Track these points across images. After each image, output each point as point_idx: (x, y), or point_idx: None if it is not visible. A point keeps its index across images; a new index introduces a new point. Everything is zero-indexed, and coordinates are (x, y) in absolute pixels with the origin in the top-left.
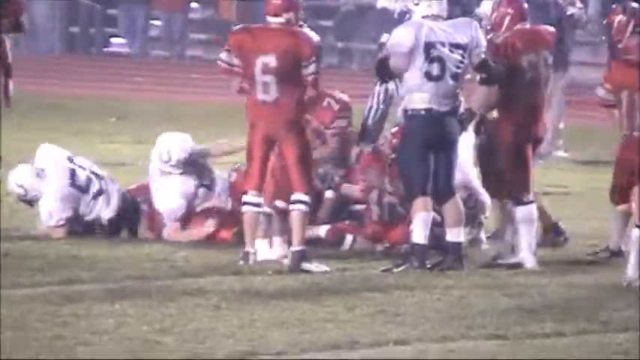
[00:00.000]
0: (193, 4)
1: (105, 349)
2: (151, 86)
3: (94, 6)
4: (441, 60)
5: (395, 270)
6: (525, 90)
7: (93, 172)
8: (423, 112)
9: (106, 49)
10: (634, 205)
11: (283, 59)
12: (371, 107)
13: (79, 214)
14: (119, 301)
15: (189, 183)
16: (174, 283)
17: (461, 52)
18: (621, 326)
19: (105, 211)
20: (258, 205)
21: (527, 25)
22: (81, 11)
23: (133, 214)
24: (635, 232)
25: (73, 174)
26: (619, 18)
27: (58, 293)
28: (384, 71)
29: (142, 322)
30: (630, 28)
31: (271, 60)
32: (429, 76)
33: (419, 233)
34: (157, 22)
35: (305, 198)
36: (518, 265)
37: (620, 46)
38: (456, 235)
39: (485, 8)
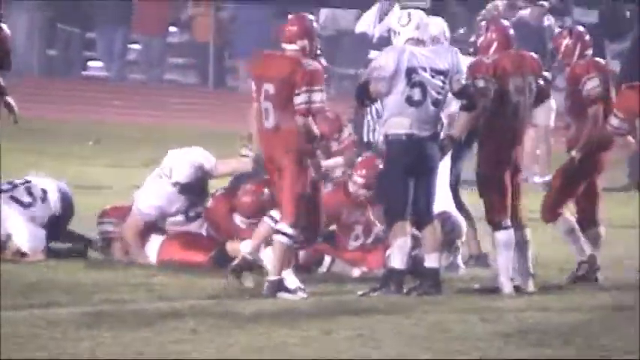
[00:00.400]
0: (172, 28)
1: None
2: (129, 110)
3: (72, 30)
4: (422, 85)
5: (372, 294)
6: (509, 114)
7: (26, 181)
8: (403, 137)
9: (84, 73)
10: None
11: (280, 87)
12: (368, 122)
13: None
14: (96, 325)
15: (175, 198)
16: (150, 307)
17: (442, 77)
18: (599, 350)
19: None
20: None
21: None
22: (59, 34)
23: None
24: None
25: (16, 196)
26: (566, 41)
27: (38, 316)
28: (365, 95)
29: (118, 345)
30: (577, 51)
31: (270, 87)
32: (410, 101)
33: (397, 258)
34: (136, 46)
35: (289, 231)
36: (495, 290)
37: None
38: (433, 260)
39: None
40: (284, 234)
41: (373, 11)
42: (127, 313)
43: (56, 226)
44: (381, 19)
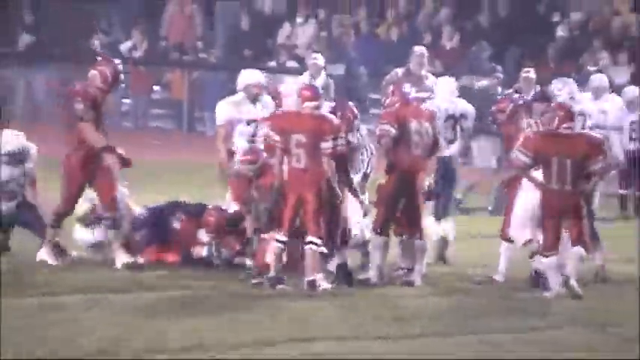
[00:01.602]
0: (155, 87)
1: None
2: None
3: None
4: None
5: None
6: (409, 149)
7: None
8: None
9: None
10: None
11: (311, 137)
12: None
13: None
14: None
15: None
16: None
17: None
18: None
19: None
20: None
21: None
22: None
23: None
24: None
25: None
26: (508, 106)
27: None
28: None
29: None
30: (516, 116)
31: (302, 137)
32: None
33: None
34: (127, 100)
35: (317, 240)
36: (409, 283)
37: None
38: (341, 258)
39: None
40: (314, 243)
41: (306, 75)
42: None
43: None
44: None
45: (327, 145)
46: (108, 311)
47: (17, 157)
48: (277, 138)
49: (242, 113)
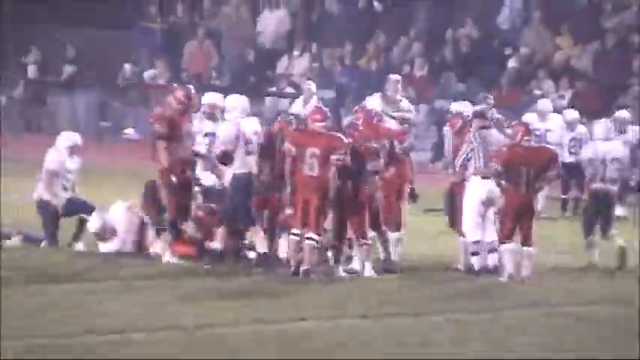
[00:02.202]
0: None
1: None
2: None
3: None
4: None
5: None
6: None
7: None
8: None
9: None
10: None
11: (325, 150)
12: None
13: None
14: None
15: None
16: None
17: None
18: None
19: None
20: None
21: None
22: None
23: None
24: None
25: None
26: (459, 122)
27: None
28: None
29: None
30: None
31: (316, 150)
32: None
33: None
34: None
35: (315, 236)
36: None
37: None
38: (261, 247)
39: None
40: (312, 239)
41: (301, 99)
42: None
43: None
44: (305, 103)
45: (335, 158)
46: (133, 295)
47: (74, 151)
48: (293, 150)
49: (200, 127)
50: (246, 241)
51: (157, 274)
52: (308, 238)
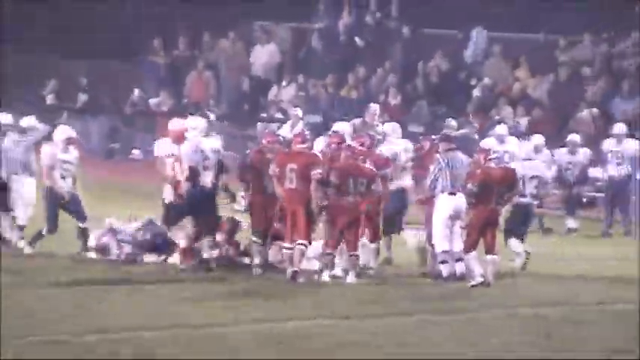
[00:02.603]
0: None
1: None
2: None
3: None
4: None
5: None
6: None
7: None
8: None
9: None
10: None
11: (303, 167)
12: None
13: None
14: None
15: None
16: None
17: None
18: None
19: None
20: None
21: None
22: (118, 133)
23: None
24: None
25: None
26: (427, 145)
27: None
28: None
29: None
30: (432, 151)
31: (295, 166)
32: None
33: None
34: None
35: (305, 242)
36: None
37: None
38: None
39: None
40: (301, 244)
41: (288, 124)
42: None
43: None
44: (292, 127)
45: (313, 172)
46: (141, 297)
47: (69, 143)
48: (277, 170)
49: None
50: (242, 248)
51: (162, 278)
52: (298, 244)
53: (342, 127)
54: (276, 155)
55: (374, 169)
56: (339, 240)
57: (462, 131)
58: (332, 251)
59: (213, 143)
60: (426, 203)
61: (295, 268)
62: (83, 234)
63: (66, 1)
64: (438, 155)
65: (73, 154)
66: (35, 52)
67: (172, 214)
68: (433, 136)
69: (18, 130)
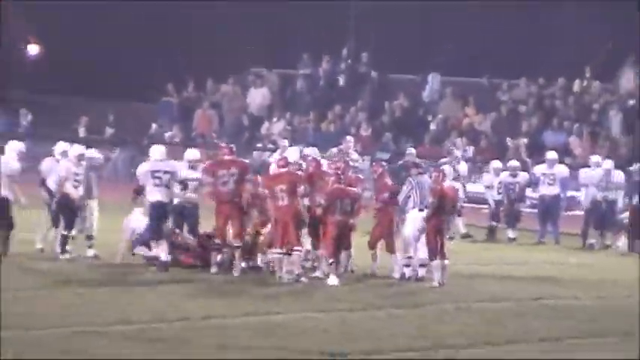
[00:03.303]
0: None
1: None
2: None
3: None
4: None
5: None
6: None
7: None
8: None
9: None
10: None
11: (291, 186)
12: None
13: None
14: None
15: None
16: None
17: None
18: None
19: None
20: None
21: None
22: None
23: None
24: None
25: None
26: (379, 169)
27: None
28: None
29: None
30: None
31: (284, 186)
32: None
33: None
34: None
35: (299, 248)
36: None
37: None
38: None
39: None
40: (297, 251)
41: (278, 152)
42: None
43: None
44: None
45: (301, 190)
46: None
47: (81, 158)
48: (266, 191)
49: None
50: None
51: (174, 277)
52: (295, 251)
53: (292, 154)
54: (264, 177)
55: (357, 191)
56: (336, 249)
57: (443, 160)
58: (334, 259)
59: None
60: (381, 213)
61: (298, 271)
62: (65, 241)
63: (97, 53)
64: (410, 178)
65: (83, 166)
66: (70, 94)
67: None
68: (383, 162)
69: (84, 158)
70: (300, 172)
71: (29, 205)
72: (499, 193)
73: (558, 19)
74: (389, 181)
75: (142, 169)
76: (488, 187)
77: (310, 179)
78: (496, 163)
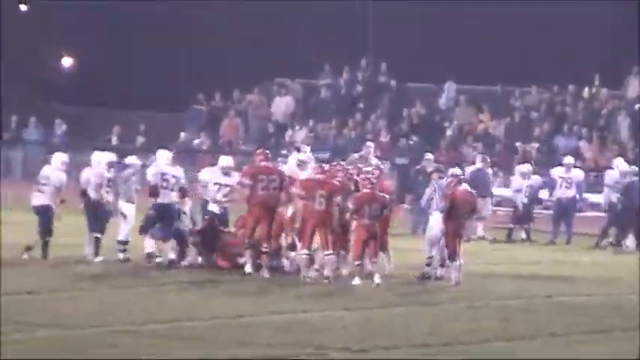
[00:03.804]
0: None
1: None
2: None
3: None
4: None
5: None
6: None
7: None
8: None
9: None
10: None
11: (329, 193)
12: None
13: None
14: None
15: None
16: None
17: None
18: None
19: None
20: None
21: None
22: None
23: None
24: None
25: None
26: (377, 173)
27: None
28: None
29: None
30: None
31: (323, 192)
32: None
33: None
34: None
35: (329, 252)
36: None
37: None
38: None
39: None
40: (330, 254)
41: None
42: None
43: None
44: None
45: (335, 197)
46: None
47: (111, 165)
48: (303, 193)
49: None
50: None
51: (202, 278)
52: (328, 254)
53: (291, 162)
54: (301, 180)
55: (386, 197)
56: (363, 251)
57: (476, 166)
58: (360, 261)
59: (177, 171)
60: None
61: (329, 274)
62: (97, 243)
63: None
64: (432, 181)
65: (111, 172)
66: (101, 105)
67: None
68: (381, 165)
69: (124, 166)
70: (338, 180)
71: (62, 214)
72: (526, 196)
73: (569, 31)
74: (387, 182)
75: (152, 171)
76: (517, 190)
77: (344, 189)
78: (524, 167)
